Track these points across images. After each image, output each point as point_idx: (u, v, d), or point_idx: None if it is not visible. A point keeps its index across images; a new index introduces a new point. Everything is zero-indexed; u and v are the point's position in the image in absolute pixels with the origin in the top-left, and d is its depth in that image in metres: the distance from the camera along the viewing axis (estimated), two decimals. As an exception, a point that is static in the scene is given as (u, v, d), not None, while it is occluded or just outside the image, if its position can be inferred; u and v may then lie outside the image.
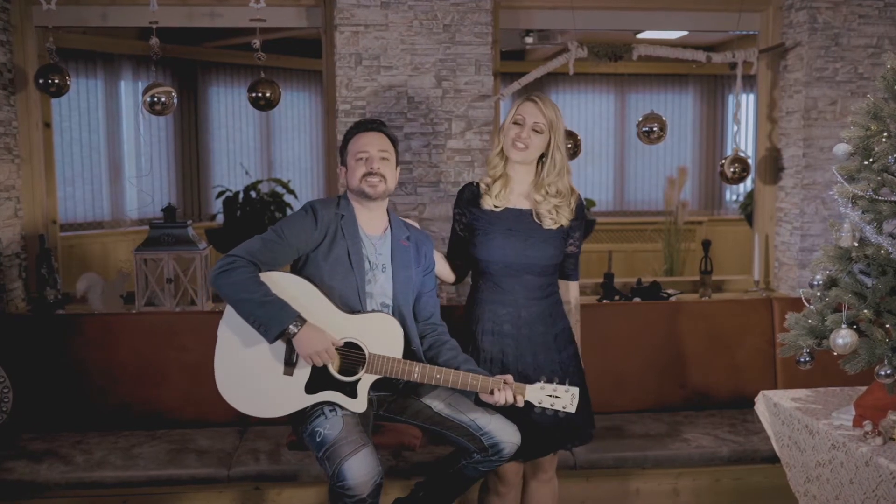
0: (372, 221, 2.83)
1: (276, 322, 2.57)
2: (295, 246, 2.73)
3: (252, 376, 2.70)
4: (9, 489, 3.05)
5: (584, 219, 2.93)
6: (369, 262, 2.78)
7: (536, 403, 2.65)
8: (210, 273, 2.66)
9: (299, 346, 2.60)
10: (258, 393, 2.70)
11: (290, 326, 2.57)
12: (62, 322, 3.63)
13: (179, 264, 3.94)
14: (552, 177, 2.83)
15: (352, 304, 2.74)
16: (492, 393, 2.62)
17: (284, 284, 2.68)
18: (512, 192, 2.88)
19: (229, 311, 2.70)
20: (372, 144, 2.80)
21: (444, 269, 3.00)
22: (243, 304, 2.60)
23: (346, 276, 2.74)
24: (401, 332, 2.73)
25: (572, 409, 2.64)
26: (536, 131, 2.79)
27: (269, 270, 2.69)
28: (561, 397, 2.63)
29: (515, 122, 2.81)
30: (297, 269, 2.80)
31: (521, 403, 2.64)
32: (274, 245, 2.70)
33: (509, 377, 2.66)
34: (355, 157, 2.79)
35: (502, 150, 2.85)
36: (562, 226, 2.85)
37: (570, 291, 2.99)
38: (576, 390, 2.64)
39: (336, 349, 2.67)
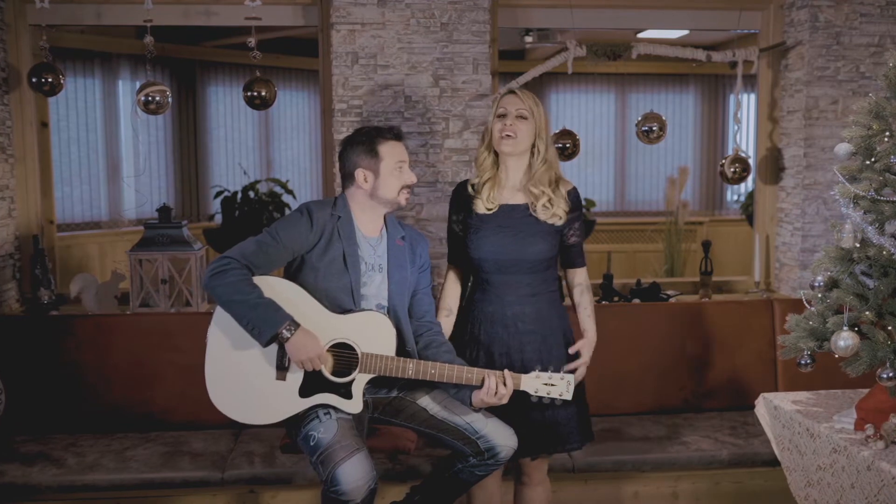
0: (370, 223, 2.80)
1: (269, 325, 2.54)
2: (290, 248, 2.69)
3: (244, 383, 2.67)
4: (0, 492, 3.02)
5: (580, 209, 2.90)
6: (365, 263, 2.76)
7: (533, 392, 2.66)
8: (203, 274, 2.63)
9: (292, 351, 2.57)
10: (251, 399, 2.67)
11: (283, 330, 2.53)
12: (56, 323, 3.60)
13: (174, 265, 3.91)
14: (541, 168, 2.81)
15: (346, 305, 2.71)
16: (483, 383, 2.62)
17: (277, 289, 2.65)
18: (504, 188, 2.86)
19: (218, 318, 2.67)
20: (406, 155, 2.80)
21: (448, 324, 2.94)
22: (236, 306, 2.57)
23: (341, 278, 2.71)
24: (392, 329, 2.70)
25: (568, 396, 2.67)
26: (521, 117, 2.78)
27: (264, 273, 2.66)
28: (556, 385, 2.66)
29: (499, 116, 2.80)
30: (292, 270, 2.76)
31: (507, 395, 2.63)
32: (269, 248, 2.66)
33: (506, 371, 2.65)
34: (396, 166, 2.74)
35: (490, 146, 2.83)
36: (555, 223, 2.82)
37: (578, 276, 2.95)
38: (571, 377, 2.68)
39: (328, 350, 2.64)
